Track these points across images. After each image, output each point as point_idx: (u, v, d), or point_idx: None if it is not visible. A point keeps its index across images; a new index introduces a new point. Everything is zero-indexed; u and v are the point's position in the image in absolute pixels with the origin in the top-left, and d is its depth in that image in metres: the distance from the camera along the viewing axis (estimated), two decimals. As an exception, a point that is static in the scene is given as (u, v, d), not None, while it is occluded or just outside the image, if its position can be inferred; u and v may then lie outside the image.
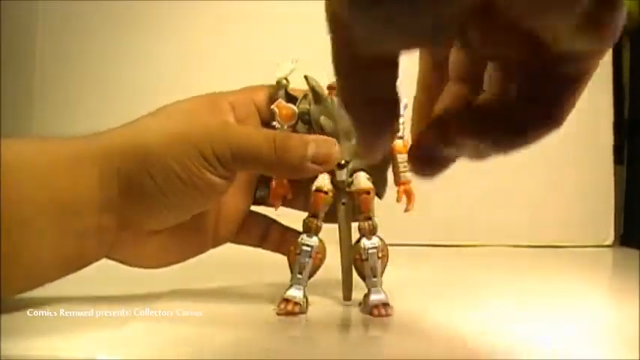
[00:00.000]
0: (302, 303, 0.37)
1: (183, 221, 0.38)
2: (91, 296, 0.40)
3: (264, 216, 0.43)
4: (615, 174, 0.74)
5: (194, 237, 0.40)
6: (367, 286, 0.37)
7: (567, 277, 0.54)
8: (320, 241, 0.38)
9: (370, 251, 0.37)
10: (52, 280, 0.36)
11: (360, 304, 0.38)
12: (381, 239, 0.38)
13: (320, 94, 0.38)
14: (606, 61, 0.73)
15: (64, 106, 0.76)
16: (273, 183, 0.39)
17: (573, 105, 0.22)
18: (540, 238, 0.71)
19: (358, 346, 0.34)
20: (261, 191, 0.42)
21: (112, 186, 0.35)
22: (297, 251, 0.37)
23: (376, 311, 0.37)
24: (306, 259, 0.37)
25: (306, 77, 0.38)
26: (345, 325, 0.38)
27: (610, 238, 0.73)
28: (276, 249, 0.42)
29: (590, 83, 0.22)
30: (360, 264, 0.37)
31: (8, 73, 0.75)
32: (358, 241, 0.38)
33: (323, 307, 0.39)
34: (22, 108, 0.76)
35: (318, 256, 0.38)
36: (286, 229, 0.42)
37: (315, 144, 0.36)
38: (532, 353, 0.31)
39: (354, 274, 0.39)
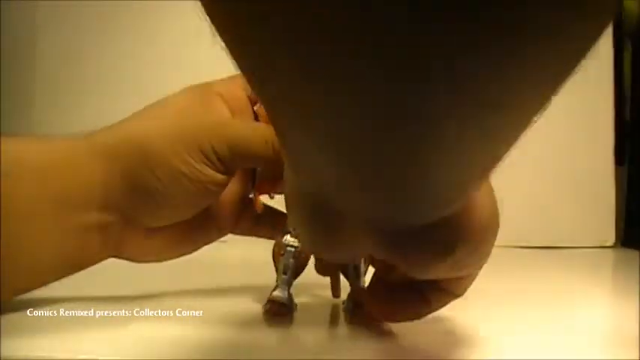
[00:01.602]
0: (287, 303, 0.37)
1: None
2: (91, 296, 0.40)
3: (265, 204, 0.42)
4: (616, 175, 0.74)
5: (196, 230, 0.40)
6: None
7: (568, 278, 0.54)
8: None
9: None
10: (52, 280, 0.36)
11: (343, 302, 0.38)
12: None
13: None
14: (607, 61, 0.73)
15: (64, 106, 0.76)
16: (261, 183, 0.39)
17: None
18: (541, 239, 0.71)
19: (357, 344, 0.34)
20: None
21: (116, 184, 0.35)
22: (281, 252, 0.37)
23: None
24: (290, 260, 0.37)
25: None
26: (344, 325, 0.38)
27: (611, 239, 0.73)
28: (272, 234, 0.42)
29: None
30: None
31: (8, 73, 0.75)
32: None
33: (316, 305, 0.39)
34: (22, 108, 0.76)
35: (303, 257, 0.37)
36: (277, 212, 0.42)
37: None
38: (532, 353, 0.31)
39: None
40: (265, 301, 0.37)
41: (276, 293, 0.37)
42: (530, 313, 0.40)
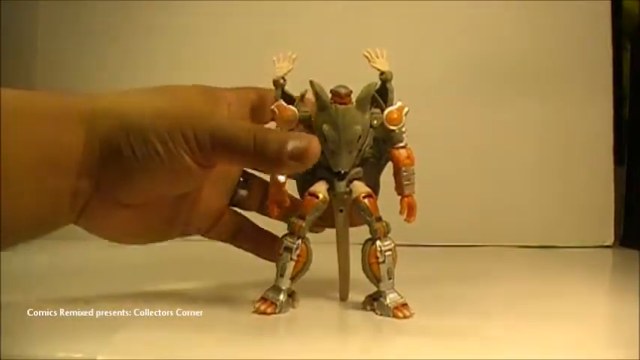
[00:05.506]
0: (277, 303, 0.37)
1: (156, 204, 0.38)
2: (91, 296, 0.40)
3: (238, 213, 0.43)
4: (615, 174, 0.74)
5: (163, 222, 0.39)
6: (381, 287, 0.37)
7: (567, 277, 0.54)
8: (304, 243, 0.37)
9: (387, 253, 0.37)
10: (21, 241, 0.35)
11: (369, 306, 0.38)
12: (392, 240, 0.38)
13: (324, 101, 0.36)
14: (606, 61, 0.73)
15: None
16: (272, 189, 0.39)
17: None
18: (540, 239, 0.71)
19: (359, 345, 0.34)
20: (241, 191, 0.43)
21: (94, 150, 0.35)
22: (280, 252, 0.37)
23: (400, 313, 0.37)
24: (287, 261, 0.37)
25: (311, 82, 0.37)
26: (345, 325, 0.38)
27: (610, 239, 0.73)
28: (251, 249, 0.43)
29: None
30: (377, 267, 0.37)
31: (8, 74, 0.75)
32: (373, 243, 0.37)
33: (321, 306, 0.39)
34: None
35: (301, 260, 0.37)
36: (261, 230, 0.43)
37: (294, 140, 0.35)
38: (532, 353, 0.31)
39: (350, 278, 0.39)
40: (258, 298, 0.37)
41: (268, 292, 0.37)
42: (529, 312, 0.40)
